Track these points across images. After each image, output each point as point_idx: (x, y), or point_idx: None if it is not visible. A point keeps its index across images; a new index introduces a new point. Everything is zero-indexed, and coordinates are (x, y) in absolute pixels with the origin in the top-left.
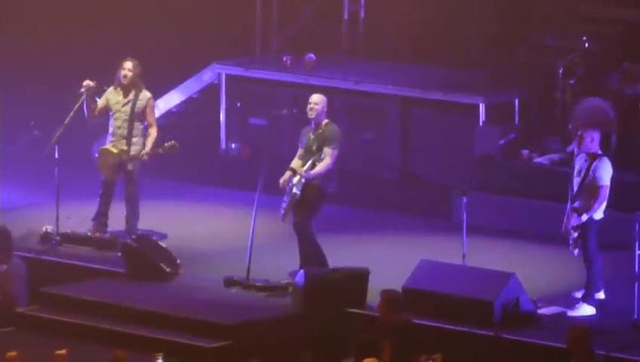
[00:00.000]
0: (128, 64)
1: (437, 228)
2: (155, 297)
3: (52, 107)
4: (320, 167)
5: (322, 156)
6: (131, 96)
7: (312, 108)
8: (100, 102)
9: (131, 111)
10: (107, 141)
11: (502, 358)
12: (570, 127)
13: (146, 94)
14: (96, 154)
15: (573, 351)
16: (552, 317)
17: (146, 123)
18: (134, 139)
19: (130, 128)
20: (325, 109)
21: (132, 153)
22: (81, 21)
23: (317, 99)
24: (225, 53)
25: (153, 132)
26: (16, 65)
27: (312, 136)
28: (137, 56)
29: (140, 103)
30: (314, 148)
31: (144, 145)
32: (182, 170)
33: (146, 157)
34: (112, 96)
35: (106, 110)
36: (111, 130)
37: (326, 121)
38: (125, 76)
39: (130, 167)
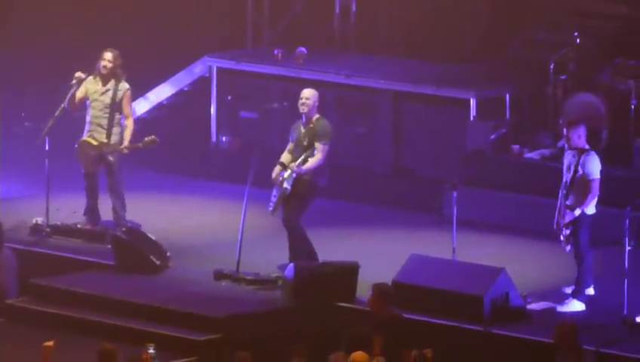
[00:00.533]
0: (108, 55)
1: (428, 223)
2: (145, 290)
3: (43, 99)
4: (311, 163)
5: (314, 151)
6: (110, 85)
7: (303, 103)
8: (79, 91)
9: (111, 101)
10: (85, 131)
11: (491, 353)
12: (561, 122)
13: (124, 85)
14: (76, 146)
15: (560, 347)
16: (541, 313)
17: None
18: (114, 129)
19: (111, 119)
20: (317, 104)
21: (111, 144)
22: (71, 10)
23: (309, 94)
24: (216, 46)
25: (130, 123)
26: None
27: (303, 131)
28: (128, 48)
29: (119, 94)
30: (305, 143)
31: (122, 135)
32: (172, 162)
33: (125, 150)
34: (90, 85)
35: (85, 100)
36: (88, 118)
37: (317, 116)
38: (105, 67)
39: (110, 158)
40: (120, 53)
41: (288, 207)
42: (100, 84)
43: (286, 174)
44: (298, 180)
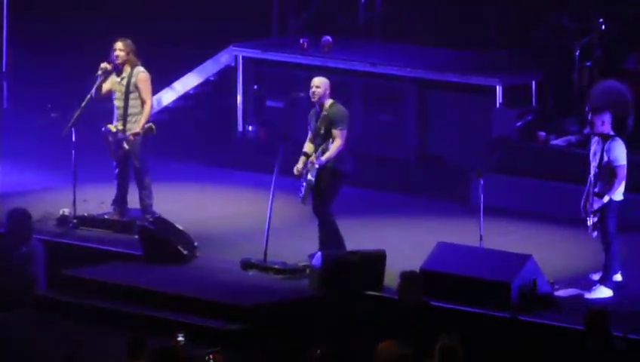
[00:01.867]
0: (118, 44)
1: (454, 210)
2: (173, 280)
3: (69, 90)
4: (331, 151)
5: (331, 139)
6: (125, 73)
7: (314, 92)
8: (106, 83)
9: (126, 89)
10: (113, 121)
11: (519, 340)
12: (586, 109)
13: (139, 69)
14: (102, 131)
15: (590, 333)
16: (569, 300)
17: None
18: (130, 118)
19: (126, 106)
20: (328, 91)
21: (127, 131)
22: (98, 2)
23: (318, 82)
24: (242, 36)
25: (146, 108)
26: (33, 48)
27: (319, 119)
28: (155, 38)
29: (133, 79)
30: (321, 131)
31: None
32: (199, 152)
33: (131, 137)
34: (112, 78)
35: (110, 92)
36: (115, 110)
37: (330, 101)
38: (118, 57)
39: (126, 145)
40: (131, 41)
41: (316, 198)
42: (119, 75)
43: (309, 165)
44: (322, 170)
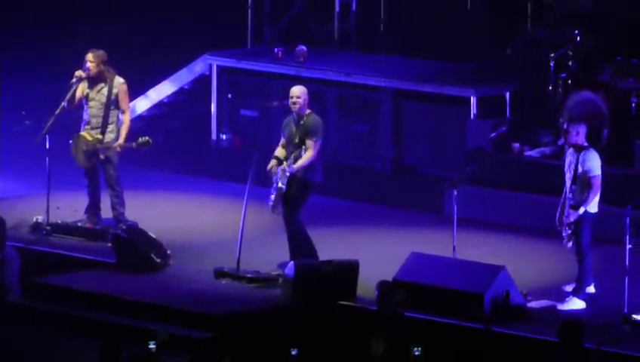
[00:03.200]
0: (89, 55)
1: (428, 221)
2: (146, 288)
3: (44, 97)
4: (303, 160)
5: (304, 149)
6: (103, 84)
7: (294, 103)
8: (77, 92)
9: (107, 99)
10: (82, 128)
11: (492, 351)
12: (561, 120)
13: (119, 80)
14: (70, 141)
15: (563, 345)
16: (541, 311)
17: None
18: (109, 127)
19: (105, 116)
20: (307, 101)
21: (106, 141)
22: (74, 7)
23: (299, 92)
24: (217, 44)
25: (126, 119)
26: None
27: (294, 128)
28: (130, 46)
29: (114, 90)
30: (296, 140)
31: (119, 132)
32: (173, 160)
33: (118, 148)
34: (85, 88)
35: (82, 100)
36: (86, 118)
37: (308, 111)
38: (90, 68)
39: (102, 155)
40: (103, 52)
41: (286, 206)
42: (94, 85)
43: (280, 173)
44: (292, 178)
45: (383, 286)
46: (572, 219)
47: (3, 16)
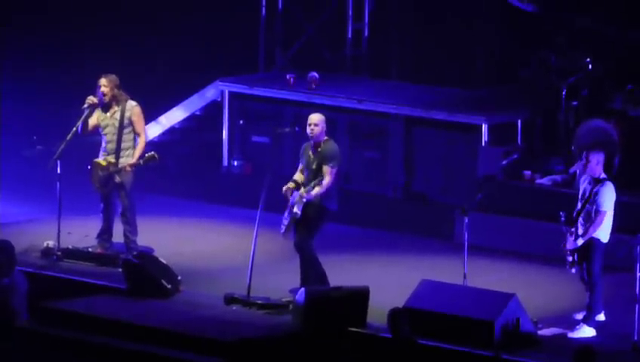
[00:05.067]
0: (102, 80)
1: (439, 248)
2: (156, 314)
3: (55, 122)
4: (321, 186)
5: (321, 176)
6: (116, 108)
7: (312, 130)
8: (91, 120)
9: (120, 123)
10: (100, 155)
11: None
12: (572, 148)
13: (131, 103)
14: (89, 167)
15: None
16: (552, 339)
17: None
18: (123, 151)
19: (119, 140)
20: (325, 128)
21: (120, 165)
22: (84, 32)
23: (317, 120)
24: (228, 71)
25: (141, 141)
26: (20, 79)
27: (312, 156)
28: (141, 72)
29: (127, 113)
30: (314, 166)
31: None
32: (184, 186)
33: (128, 168)
34: (100, 114)
35: (97, 127)
36: (103, 144)
37: (325, 138)
38: (104, 93)
39: (117, 179)
40: (115, 76)
41: (299, 232)
42: (108, 110)
43: (296, 198)
44: (308, 205)
45: (395, 312)
46: (569, 247)
47: (14, 40)
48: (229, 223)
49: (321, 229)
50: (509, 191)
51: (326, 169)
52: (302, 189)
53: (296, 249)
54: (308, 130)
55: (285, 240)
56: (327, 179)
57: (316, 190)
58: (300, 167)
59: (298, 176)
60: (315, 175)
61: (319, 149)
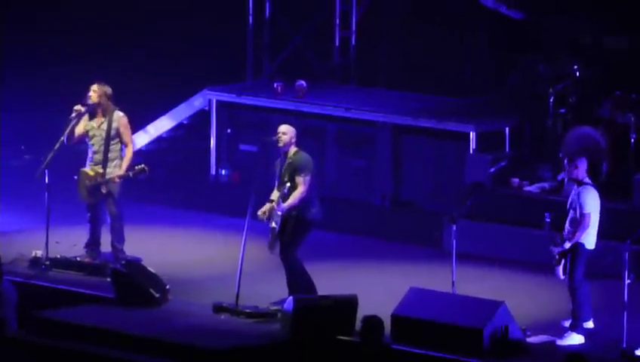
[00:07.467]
0: (94, 86)
1: (427, 256)
2: (145, 322)
3: (43, 132)
4: (293, 198)
5: (287, 186)
6: (103, 119)
7: (279, 138)
8: (79, 127)
9: (107, 134)
10: (87, 165)
11: None
12: (561, 155)
13: (118, 114)
14: (76, 177)
15: None
16: (541, 346)
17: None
18: (110, 162)
19: (106, 150)
20: (294, 139)
21: (107, 175)
22: (72, 43)
23: (285, 129)
24: (216, 79)
25: (128, 152)
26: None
27: (283, 167)
28: (128, 80)
29: (114, 124)
30: (285, 178)
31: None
32: (172, 195)
33: (117, 179)
34: (87, 123)
35: (84, 136)
36: (90, 155)
37: (295, 149)
38: (90, 97)
39: (104, 189)
40: (109, 88)
41: (282, 245)
42: (95, 119)
43: (272, 212)
44: (287, 217)
45: (366, 320)
46: (556, 251)
47: (2, 50)
48: (217, 232)
49: (304, 240)
50: (498, 199)
51: (299, 179)
52: (274, 202)
53: (281, 260)
54: (276, 139)
55: (272, 255)
56: (299, 189)
57: (289, 201)
58: (277, 183)
59: (274, 195)
60: (289, 187)
61: (290, 160)
